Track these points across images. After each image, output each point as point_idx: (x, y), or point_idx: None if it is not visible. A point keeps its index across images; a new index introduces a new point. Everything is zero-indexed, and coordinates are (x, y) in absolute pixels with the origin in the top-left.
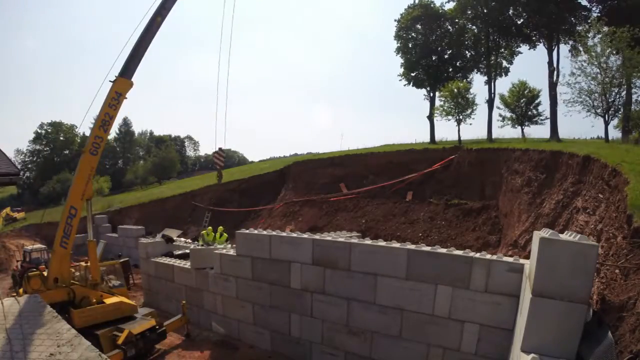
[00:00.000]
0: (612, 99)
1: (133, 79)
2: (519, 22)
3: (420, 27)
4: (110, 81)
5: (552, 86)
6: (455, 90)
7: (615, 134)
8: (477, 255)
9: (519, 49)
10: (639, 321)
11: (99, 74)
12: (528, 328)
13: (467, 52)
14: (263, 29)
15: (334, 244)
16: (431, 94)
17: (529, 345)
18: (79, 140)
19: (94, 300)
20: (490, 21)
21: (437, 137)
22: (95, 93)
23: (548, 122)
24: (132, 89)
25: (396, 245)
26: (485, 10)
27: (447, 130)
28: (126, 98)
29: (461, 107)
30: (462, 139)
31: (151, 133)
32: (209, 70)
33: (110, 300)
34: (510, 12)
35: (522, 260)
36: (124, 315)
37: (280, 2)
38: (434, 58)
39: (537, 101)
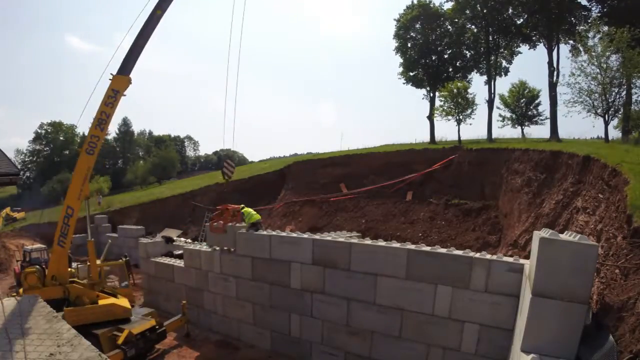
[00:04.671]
0: (612, 99)
1: (131, 75)
2: (518, 22)
3: (419, 26)
4: (109, 79)
5: (552, 86)
6: (455, 90)
7: (615, 134)
8: (477, 255)
9: (518, 49)
10: (639, 321)
11: (98, 73)
12: (528, 328)
13: (466, 52)
14: (263, 28)
15: (334, 244)
16: (431, 94)
17: (529, 345)
18: (78, 140)
19: (87, 300)
20: (490, 21)
21: (437, 137)
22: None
23: (548, 122)
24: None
25: (396, 245)
26: (484, 10)
27: (447, 130)
28: (124, 95)
29: (461, 107)
30: (462, 138)
31: (150, 133)
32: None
33: (104, 301)
34: (510, 11)
35: (522, 260)
36: (115, 317)
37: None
38: (433, 58)
39: (537, 101)
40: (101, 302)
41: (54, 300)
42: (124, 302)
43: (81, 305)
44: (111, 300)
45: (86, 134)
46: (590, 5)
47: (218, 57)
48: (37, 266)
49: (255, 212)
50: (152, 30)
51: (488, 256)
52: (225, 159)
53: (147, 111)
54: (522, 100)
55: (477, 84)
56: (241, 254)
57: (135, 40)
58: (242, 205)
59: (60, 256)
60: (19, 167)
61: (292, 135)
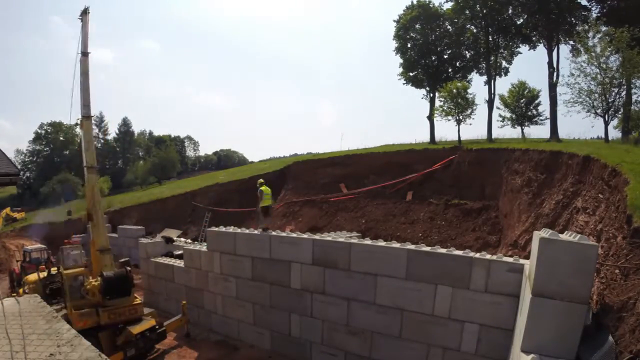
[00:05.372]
0: (612, 99)
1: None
2: (518, 22)
3: (419, 27)
4: (76, 124)
5: (552, 87)
6: (455, 90)
7: (615, 134)
8: (477, 255)
9: (518, 49)
10: (638, 321)
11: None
12: (528, 328)
13: (466, 52)
14: (263, 26)
15: (334, 244)
16: (431, 94)
17: (529, 345)
18: (78, 141)
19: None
20: (490, 21)
21: (437, 137)
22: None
23: (548, 122)
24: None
25: (396, 245)
26: (484, 11)
27: (447, 130)
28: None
29: (461, 107)
30: (462, 138)
31: (150, 133)
32: None
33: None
34: (510, 11)
35: (522, 260)
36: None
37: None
38: (433, 58)
39: (537, 101)
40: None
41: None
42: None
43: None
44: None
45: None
46: (590, 5)
47: (219, 57)
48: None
49: (270, 196)
50: (87, 84)
51: (488, 256)
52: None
53: (147, 111)
54: (522, 101)
55: (477, 84)
56: (241, 254)
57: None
58: (261, 181)
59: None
60: (19, 167)
61: (292, 135)
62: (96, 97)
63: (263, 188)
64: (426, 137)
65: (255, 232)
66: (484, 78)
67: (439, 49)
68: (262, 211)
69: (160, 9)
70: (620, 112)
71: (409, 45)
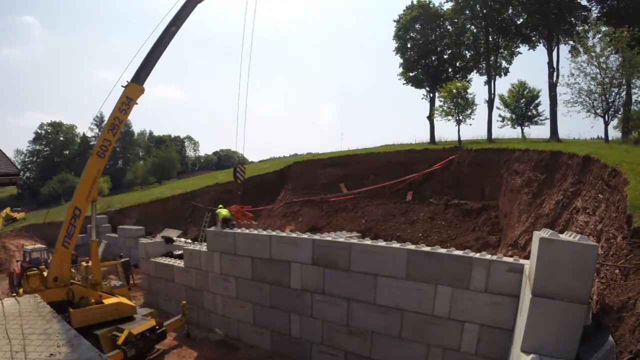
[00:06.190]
0: (612, 99)
1: (144, 85)
2: (518, 22)
3: (419, 27)
4: (122, 86)
5: (552, 87)
6: (454, 90)
7: (615, 134)
8: (477, 255)
9: (518, 49)
10: (638, 321)
11: (99, 75)
12: (528, 328)
13: (466, 52)
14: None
15: (334, 244)
16: (431, 95)
17: (529, 346)
18: (78, 141)
19: (93, 301)
20: (490, 21)
21: (437, 137)
22: (105, 95)
23: (548, 122)
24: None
25: (396, 245)
26: (484, 10)
27: (447, 130)
28: (137, 103)
29: (460, 107)
30: (462, 139)
31: (151, 133)
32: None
33: (109, 300)
34: (510, 11)
35: (522, 261)
36: (122, 316)
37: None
38: (433, 58)
39: (536, 101)
40: (106, 301)
41: (57, 302)
42: (127, 300)
43: (85, 306)
44: (117, 299)
45: (87, 135)
46: (590, 5)
47: (220, 56)
48: (35, 268)
49: (225, 212)
50: (166, 45)
51: (488, 256)
52: (238, 164)
53: (147, 111)
54: (521, 101)
55: (477, 84)
56: (241, 254)
57: (148, 54)
58: (220, 206)
59: (63, 257)
60: (19, 167)
61: (292, 135)
62: (97, 97)
63: (218, 211)
64: (426, 137)
65: (255, 232)
66: (484, 78)
67: (439, 49)
68: (223, 224)
69: (163, 11)
70: (620, 112)
71: (409, 45)
